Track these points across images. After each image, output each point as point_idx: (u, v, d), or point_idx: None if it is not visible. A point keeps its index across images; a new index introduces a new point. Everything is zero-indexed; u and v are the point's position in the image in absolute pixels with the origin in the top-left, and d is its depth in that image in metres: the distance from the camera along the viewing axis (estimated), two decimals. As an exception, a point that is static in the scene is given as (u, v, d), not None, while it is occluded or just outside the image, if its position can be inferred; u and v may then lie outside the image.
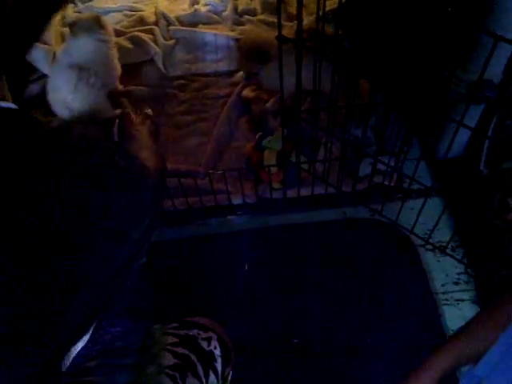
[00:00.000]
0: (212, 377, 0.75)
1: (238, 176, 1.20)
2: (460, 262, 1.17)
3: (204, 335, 0.79)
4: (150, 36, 1.70)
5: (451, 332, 1.10)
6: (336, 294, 1.18)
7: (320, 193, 1.29)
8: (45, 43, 1.55)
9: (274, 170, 1.27)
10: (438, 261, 1.21)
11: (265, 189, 1.32)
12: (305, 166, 1.25)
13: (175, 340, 0.76)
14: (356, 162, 1.28)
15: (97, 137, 0.60)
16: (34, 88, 1.57)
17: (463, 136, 0.89)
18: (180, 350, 0.74)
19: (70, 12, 1.76)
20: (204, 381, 0.74)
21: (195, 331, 0.79)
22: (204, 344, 0.77)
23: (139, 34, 1.67)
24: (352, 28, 1.20)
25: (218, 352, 0.78)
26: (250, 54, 1.37)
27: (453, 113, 1.09)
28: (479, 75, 0.74)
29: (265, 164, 1.28)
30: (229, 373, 0.82)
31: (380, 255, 1.23)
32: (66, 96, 1.30)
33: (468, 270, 1.17)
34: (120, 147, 0.69)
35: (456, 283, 1.18)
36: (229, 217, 1.33)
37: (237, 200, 1.30)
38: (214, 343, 0.79)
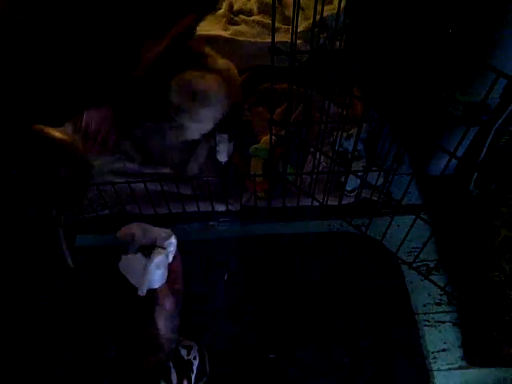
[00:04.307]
0: None
1: (222, 183, 1.17)
2: (442, 289, 1.15)
3: (186, 342, 0.76)
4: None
5: (431, 354, 1.08)
6: (315, 307, 1.15)
7: (306, 204, 1.26)
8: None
9: (259, 178, 1.23)
10: (422, 280, 1.19)
11: (249, 197, 1.28)
12: (291, 177, 1.22)
13: None
14: (344, 175, 1.25)
15: None
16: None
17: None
18: None
19: None
20: None
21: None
22: (183, 352, 0.75)
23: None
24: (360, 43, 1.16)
25: (196, 363, 0.76)
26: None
27: (446, 134, 1.07)
28: (481, 100, 0.72)
29: (251, 173, 1.24)
30: None
31: (363, 270, 1.21)
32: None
33: (449, 297, 1.15)
34: None
35: (438, 304, 1.16)
36: (211, 223, 1.29)
37: (220, 207, 1.26)
38: (194, 353, 0.76)
